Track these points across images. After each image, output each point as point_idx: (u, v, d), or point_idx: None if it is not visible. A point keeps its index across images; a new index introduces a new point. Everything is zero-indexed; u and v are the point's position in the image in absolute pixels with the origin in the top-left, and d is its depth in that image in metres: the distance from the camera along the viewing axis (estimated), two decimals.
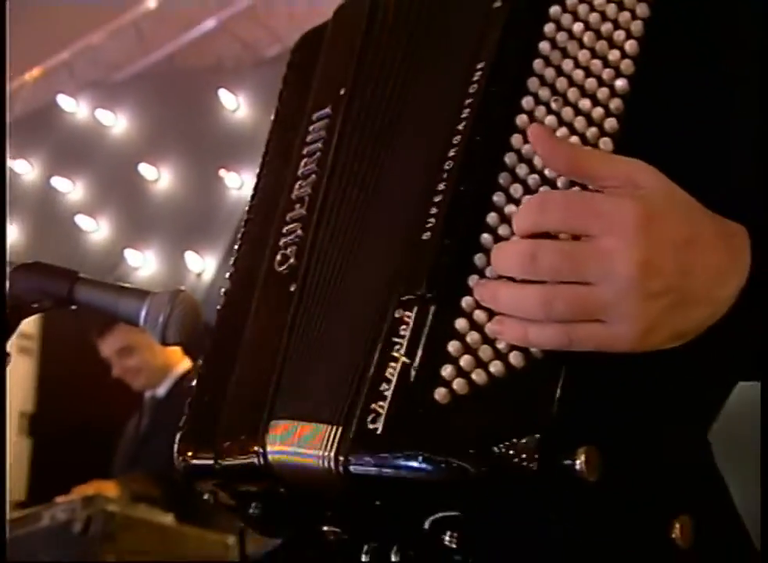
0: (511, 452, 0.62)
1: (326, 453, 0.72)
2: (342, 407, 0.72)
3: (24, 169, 6.26)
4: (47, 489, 2.94)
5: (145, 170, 5.56)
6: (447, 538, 0.68)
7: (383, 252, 0.78)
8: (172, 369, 3.32)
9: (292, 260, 0.86)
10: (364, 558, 0.78)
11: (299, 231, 0.87)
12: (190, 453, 0.87)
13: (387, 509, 0.74)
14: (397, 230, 0.77)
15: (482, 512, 0.68)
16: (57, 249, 5.51)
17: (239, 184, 5.08)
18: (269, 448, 0.78)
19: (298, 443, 0.76)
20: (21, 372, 4.95)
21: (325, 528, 0.82)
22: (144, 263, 5.35)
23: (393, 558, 0.77)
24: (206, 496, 0.89)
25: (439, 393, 0.65)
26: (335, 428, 0.72)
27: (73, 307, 1.08)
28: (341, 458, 0.70)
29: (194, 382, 0.95)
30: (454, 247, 0.69)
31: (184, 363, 3.31)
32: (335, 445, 0.71)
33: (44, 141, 6.28)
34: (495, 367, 0.65)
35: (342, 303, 0.81)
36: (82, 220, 5.71)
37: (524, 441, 0.62)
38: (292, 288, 0.84)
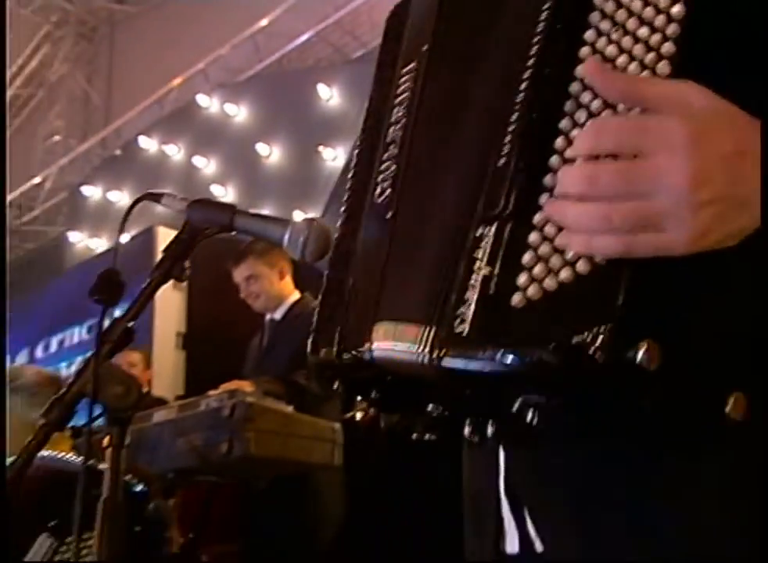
0: (581, 346, 0.59)
1: (421, 350, 0.69)
2: (433, 312, 0.70)
3: (173, 151, 6.35)
4: (198, 388, 3.00)
5: (261, 148, 5.59)
6: (530, 415, 0.66)
7: (463, 179, 0.74)
8: (286, 298, 3.31)
9: (388, 192, 0.83)
10: (466, 431, 0.76)
11: (393, 168, 0.84)
12: (317, 352, 0.86)
13: (477, 395, 0.72)
14: (475, 158, 0.71)
15: (558, 396, 0.66)
16: None
17: (333, 156, 5.10)
18: (375, 345, 0.75)
19: (397, 342, 0.74)
20: (176, 302, 5.04)
21: (430, 407, 0.80)
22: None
23: (489, 431, 0.76)
24: (334, 386, 0.87)
25: (516, 299, 0.62)
26: (428, 329, 0.68)
27: (233, 232, 1.09)
28: (434, 356, 0.67)
29: (320, 296, 0.93)
30: (527, 170, 0.63)
31: (295, 295, 3.31)
32: (429, 344, 0.68)
33: (187, 130, 6.32)
34: (564, 273, 0.59)
35: (429, 224, 0.78)
36: (215, 189, 5.79)
37: (591, 337, 0.59)
38: (388, 216, 0.81)
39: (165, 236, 5.29)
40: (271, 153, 5.51)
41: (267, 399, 2.61)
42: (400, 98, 0.86)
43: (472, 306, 0.64)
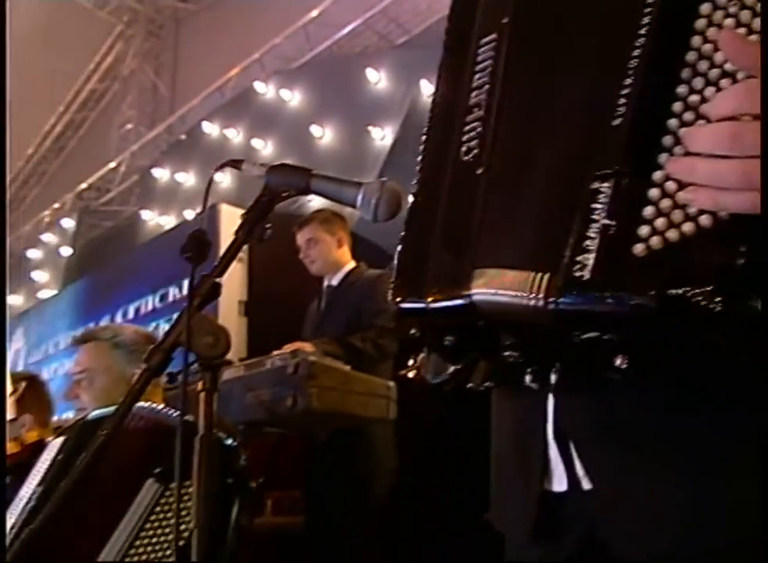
0: (701, 295, 0.58)
1: (534, 295, 0.67)
2: (545, 259, 0.67)
3: (233, 135, 6.37)
4: (259, 352, 3.02)
5: (314, 129, 5.56)
6: (619, 361, 0.64)
7: (570, 138, 0.71)
8: (343, 266, 3.30)
9: (475, 151, 0.80)
10: (527, 378, 0.75)
11: (480, 129, 0.81)
12: (401, 299, 0.83)
13: (575, 338, 0.70)
14: (583, 120, 0.69)
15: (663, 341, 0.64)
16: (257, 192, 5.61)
17: (382, 136, 5.04)
18: (474, 291, 0.73)
19: (502, 287, 0.71)
20: (238, 273, 5.08)
21: (506, 353, 0.78)
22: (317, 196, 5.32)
23: (552, 378, 0.74)
24: (412, 331, 0.85)
25: (637, 248, 0.58)
26: (540, 275, 0.67)
27: (310, 194, 1.08)
28: (551, 299, 0.66)
29: (400, 247, 0.90)
30: (645, 130, 0.62)
31: (351, 264, 3.30)
32: (542, 289, 0.67)
33: (245, 114, 6.33)
34: (687, 227, 0.58)
35: (530, 180, 0.75)
36: None
37: (715, 285, 0.57)
38: (479, 172, 0.78)
39: (227, 213, 5.33)
40: (324, 134, 5.50)
41: (326, 358, 2.62)
42: (479, 66, 0.83)
43: (593, 254, 0.62)
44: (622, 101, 0.64)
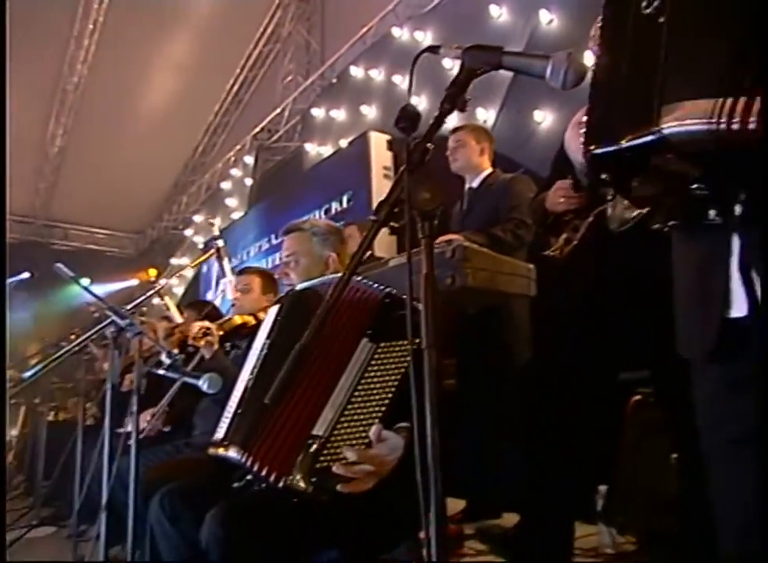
0: None
1: (720, 121, 0.59)
2: (728, 89, 0.59)
3: (375, 74, 6.23)
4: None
5: (446, 62, 5.10)
6: None
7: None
8: (483, 170, 3.23)
9: (656, 2, 0.71)
10: (711, 212, 0.67)
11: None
12: (594, 146, 0.76)
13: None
14: None
15: None
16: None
17: None
18: (665, 125, 0.66)
19: (692, 117, 0.64)
20: (386, 190, 5.05)
21: (693, 186, 0.70)
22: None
23: (738, 210, 0.66)
24: (603, 176, 0.79)
25: None
26: (723, 102, 0.59)
27: (501, 69, 1.00)
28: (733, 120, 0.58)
29: (590, 100, 0.81)
30: None
31: (490, 169, 3.23)
32: (727, 115, 0.59)
33: (385, 57, 6.15)
34: None
35: (711, 22, 0.65)
36: (412, 99, 5.54)
37: None
38: (661, 20, 0.69)
39: (376, 138, 5.26)
40: (454, 66, 5.24)
41: (474, 244, 2.58)
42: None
43: None
44: None
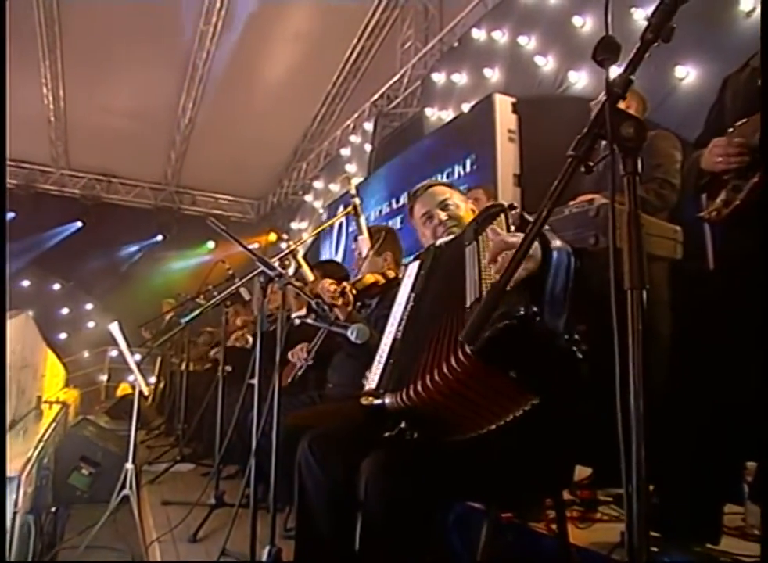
0: None
1: None
2: None
3: (498, 36, 5.99)
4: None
5: (576, 20, 4.84)
6: None
7: None
8: None
9: None
10: None
11: None
12: None
13: None
14: None
15: None
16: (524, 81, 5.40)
17: (644, 16, 4.27)
18: None
19: None
20: (512, 151, 4.91)
21: None
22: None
23: None
24: None
25: None
26: None
27: None
28: None
29: None
30: None
31: None
32: None
33: (509, 17, 5.90)
34: None
35: None
36: (538, 59, 5.27)
37: None
38: None
39: (501, 101, 5.10)
40: (585, 23, 4.93)
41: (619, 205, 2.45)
42: None
43: None
44: None
